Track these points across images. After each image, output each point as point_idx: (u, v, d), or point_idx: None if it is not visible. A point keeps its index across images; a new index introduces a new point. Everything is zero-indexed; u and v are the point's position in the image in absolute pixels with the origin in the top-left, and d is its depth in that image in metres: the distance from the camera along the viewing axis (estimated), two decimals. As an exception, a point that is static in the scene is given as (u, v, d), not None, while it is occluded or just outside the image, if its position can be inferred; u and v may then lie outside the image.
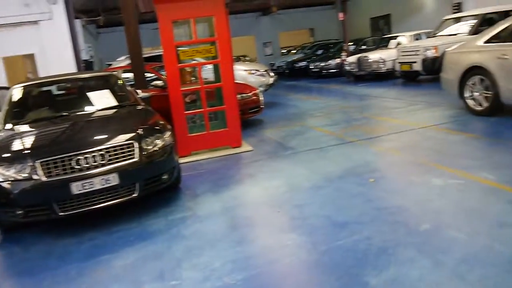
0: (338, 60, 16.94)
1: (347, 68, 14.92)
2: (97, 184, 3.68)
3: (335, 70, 17.03)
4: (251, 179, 4.90)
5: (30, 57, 10.67)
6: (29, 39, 10.17)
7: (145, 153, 3.96)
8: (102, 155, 3.77)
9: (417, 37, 13.81)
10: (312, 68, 17.97)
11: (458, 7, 14.46)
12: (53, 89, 5.62)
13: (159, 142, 4.13)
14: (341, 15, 17.46)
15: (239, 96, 7.15)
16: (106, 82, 5.48)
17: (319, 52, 20.05)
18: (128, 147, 3.90)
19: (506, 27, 6.27)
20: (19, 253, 3.66)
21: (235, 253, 3.10)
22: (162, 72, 7.49)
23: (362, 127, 6.98)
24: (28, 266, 3.36)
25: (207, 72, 7.49)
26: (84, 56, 12.62)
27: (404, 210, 3.52)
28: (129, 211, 4.14)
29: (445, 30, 11.49)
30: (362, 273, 2.63)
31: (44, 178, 3.60)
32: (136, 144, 3.94)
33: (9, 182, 3.60)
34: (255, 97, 7.99)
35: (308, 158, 5.44)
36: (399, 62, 11.96)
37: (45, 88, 5.51)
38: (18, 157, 3.71)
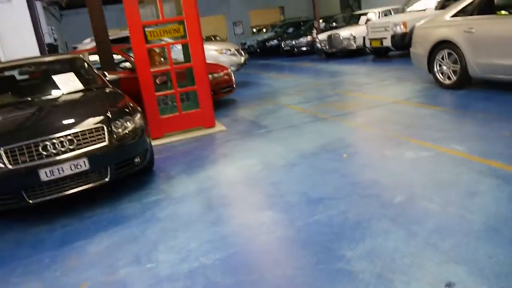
0: (309, 38, 16.93)
1: (318, 45, 14.91)
2: (67, 170, 3.57)
3: (306, 48, 17.03)
4: (225, 159, 4.86)
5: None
6: (-13, 22, 9.70)
7: (115, 136, 3.87)
8: (70, 140, 3.65)
9: (386, 13, 13.90)
10: (284, 47, 17.90)
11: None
12: (16, 74, 5.39)
13: (129, 125, 4.03)
14: (310, -8, 17.35)
15: (210, 76, 7.06)
16: (71, 65, 5.28)
17: (290, 30, 19.99)
18: (97, 131, 3.79)
19: (472, 1, 6.34)
20: (-12, 244, 3.54)
21: (212, 233, 3.08)
22: (131, 54, 7.30)
23: (335, 103, 7.01)
24: (-1, 256, 3.26)
25: (178, 53, 7.36)
26: (48, 39, 12.18)
27: (377, 183, 3.56)
28: (102, 196, 4.06)
29: (414, 5, 11.59)
30: (338, 247, 2.65)
31: (10, 166, 3.47)
32: (105, 128, 3.83)
33: (-27, 171, 3.45)
34: (227, 77, 7.89)
35: (282, 136, 5.44)
36: (370, 39, 12.03)
37: (6, 73, 5.27)
38: (-19, 146, 3.56)
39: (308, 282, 2.37)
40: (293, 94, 8.48)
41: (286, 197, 3.55)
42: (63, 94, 4.67)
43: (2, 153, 3.49)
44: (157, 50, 8.00)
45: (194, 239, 3.03)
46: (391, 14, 13.63)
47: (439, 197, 3.14)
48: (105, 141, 3.79)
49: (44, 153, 3.56)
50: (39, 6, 11.88)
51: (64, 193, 3.65)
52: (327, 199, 3.37)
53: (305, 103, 7.41)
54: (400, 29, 10.78)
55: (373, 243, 2.64)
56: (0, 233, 3.67)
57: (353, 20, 15.11)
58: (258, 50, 20.60)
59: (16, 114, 4.25)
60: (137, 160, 4.05)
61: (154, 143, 5.64)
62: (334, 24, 16.96)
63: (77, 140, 3.68)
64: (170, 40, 7.50)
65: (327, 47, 14.39)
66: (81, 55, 5.99)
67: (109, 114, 3.97)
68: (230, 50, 10.62)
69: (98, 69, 6.00)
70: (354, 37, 13.35)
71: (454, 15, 6.51)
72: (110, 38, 6.68)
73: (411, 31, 7.96)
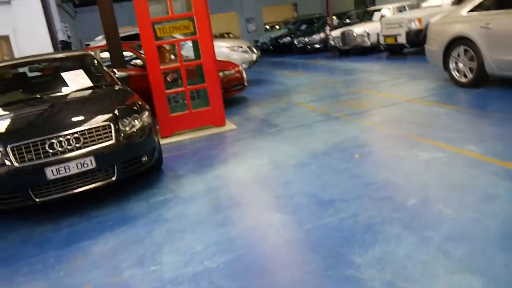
0: (322, 35, 16.76)
1: (332, 42, 14.74)
2: (73, 168, 3.54)
3: (319, 45, 16.86)
4: (235, 158, 4.79)
5: (6, 40, 10.28)
6: (1, 20, 9.77)
7: (123, 134, 3.82)
8: (77, 138, 3.61)
9: (401, 9, 13.67)
10: (297, 44, 17.75)
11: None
12: (26, 70, 5.38)
13: (137, 123, 3.98)
14: (324, -12, 17.17)
15: (221, 73, 6.99)
16: (80, 62, 5.25)
17: (303, 27, 19.82)
18: (104, 129, 3.75)
19: (489, -4, 6.15)
20: (-5, 242, 3.53)
21: (218, 235, 3.01)
22: (142, 51, 7.27)
23: (348, 102, 6.88)
24: (5, 255, 3.23)
25: (190, 50, 7.30)
26: (61, 36, 12.24)
27: (390, 185, 3.45)
28: (109, 195, 4.02)
29: (429, 1, 11.37)
30: (348, 252, 2.56)
31: (17, 164, 3.44)
32: (112, 126, 3.78)
33: (-20, 169, 3.43)
34: (238, 74, 7.80)
35: (294, 135, 5.34)
36: (384, 35, 11.84)
37: (17, 70, 5.27)
38: (-12, 143, 3.53)
39: (316, 288, 2.28)
40: (305, 92, 8.37)
41: (295, 198, 3.46)
42: (71, 91, 4.64)
43: (9, 151, 3.47)
44: (168, 47, 7.96)
45: (200, 240, 2.97)
46: (405, 10, 13.40)
47: (454, 200, 3.02)
48: (112, 139, 3.74)
49: (51, 151, 3.52)
50: (52, 3, 11.93)
51: (71, 192, 3.61)
52: (338, 201, 3.27)
53: (317, 101, 7.29)
54: (414, 25, 10.57)
55: (384, 249, 2.54)
56: (6, 231, 3.66)
57: (367, 16, 14.90)
58: (271, 47, 20.46)
59: (23, 112, 4.22)
60: (144, 158, 4.00)
61: (163, 141, 5.60)
62: (347, 20, 16.76)
63: (84, 138, 3.64)
64: (180, 37, 7.44)
65: (340, 44, 14.21)
66: (90, 52, 5.98)
67: (116, 112, 3.92)
68: (241, 47, 10.51)
69: (108, 66, 5.97)
70: (368, 33, 13.15)
71: (471, 10, 6.33)
72: (122, 35, 6.66)
73: (426, 27, 7.78)
